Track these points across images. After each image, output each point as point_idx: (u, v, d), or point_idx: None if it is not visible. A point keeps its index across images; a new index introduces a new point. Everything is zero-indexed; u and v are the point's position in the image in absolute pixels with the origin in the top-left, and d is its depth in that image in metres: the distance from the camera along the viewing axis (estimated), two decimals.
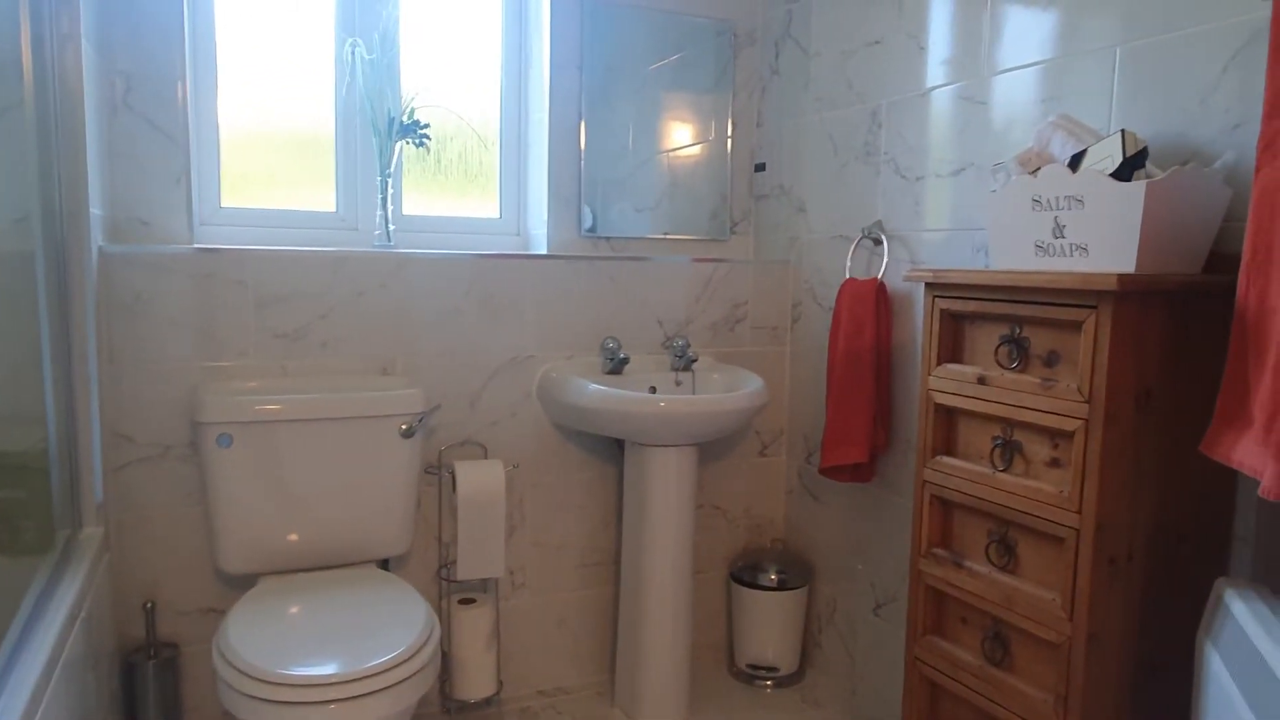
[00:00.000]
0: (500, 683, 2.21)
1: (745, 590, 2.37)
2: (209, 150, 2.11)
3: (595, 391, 2.00)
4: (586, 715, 2.21)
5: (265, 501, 1.82)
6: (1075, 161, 1.44)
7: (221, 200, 2.15)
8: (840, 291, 2.13)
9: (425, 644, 1.56)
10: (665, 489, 2.09)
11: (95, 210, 1.77)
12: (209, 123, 2.10)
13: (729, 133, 2.53)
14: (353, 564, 1.92)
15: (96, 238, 1.78)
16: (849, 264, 2.18)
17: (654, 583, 2.11)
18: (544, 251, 2.34)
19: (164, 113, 1.94)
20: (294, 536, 1.85)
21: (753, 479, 2.52)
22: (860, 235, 2.15)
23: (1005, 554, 1.45)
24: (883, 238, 2.09)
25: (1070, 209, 1.39)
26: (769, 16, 2.49)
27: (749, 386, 2.07)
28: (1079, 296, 1.30)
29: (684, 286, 2.36)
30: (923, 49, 1.98)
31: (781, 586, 2.36)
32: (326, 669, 1.44)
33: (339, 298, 2.00)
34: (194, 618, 1.94)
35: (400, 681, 1.49)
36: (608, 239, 2.40)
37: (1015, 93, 1.76)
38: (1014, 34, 1.75)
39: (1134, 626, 1.36)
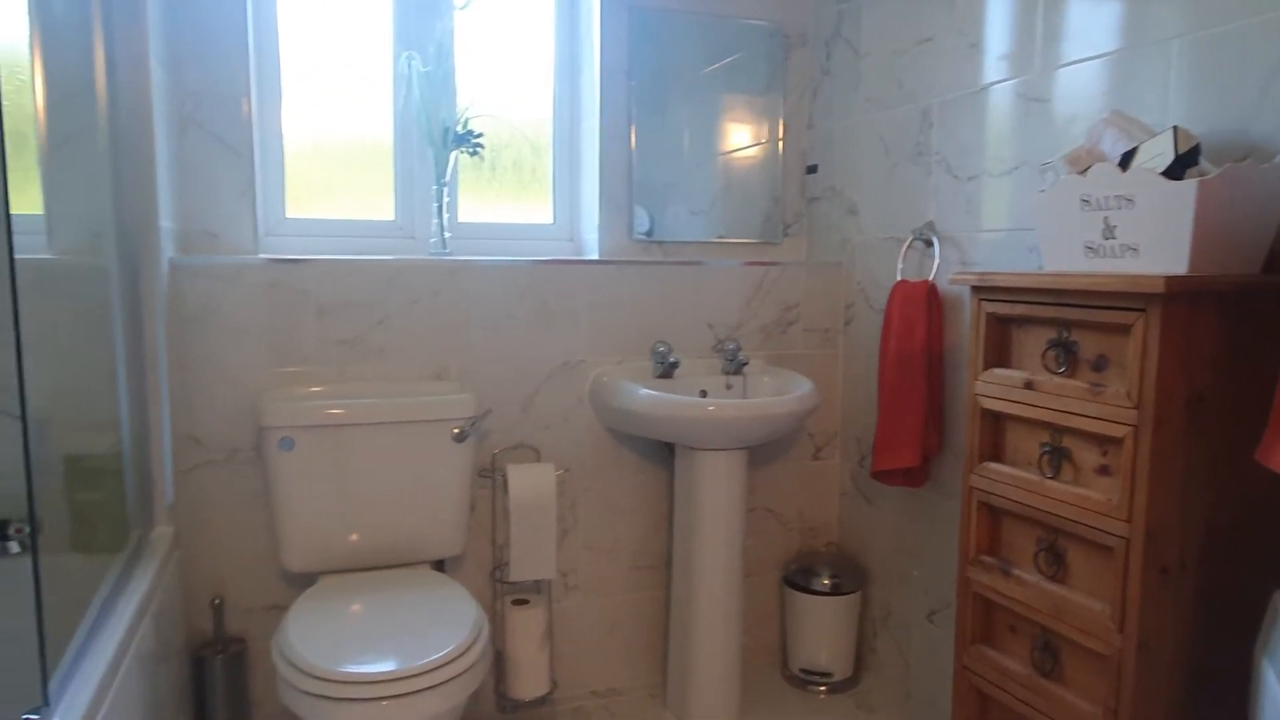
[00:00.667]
0: (554, 683, 2.25)
1: (798, 594, 2.36)
2: (274, 163, 2.19)
3: (645, 396, 2.01)
4: (638, 716, 2.23)
5: (325, 502, 1.89)
6: (1126, 160, 1.40)
7: (286, 211, 2.23)
8: (891, 293, 2.10)
9: (474, 643, 1.60)
10: (715, 492, 2.09)
11: (166, 223, 1.86)
12: (273, 136, 2.18)
13: (780, 135, 2.52)
14: (408, 564, 1.97)
15: (167, 250, 1.87)
16: (900, 266, 2.16)
17: (705, 586, 2.12)
18: (595, 256, 2.36)
19: (230, 128, 2.02)
20: (352, 537, 1.91)
21: (806, 482, 2.51)
22: (911, 237, 2.12)
23: (1054, 563, 1.42)
24: (934, 239, 2.05)
25: (1120, 209, 1.36)
26: (820, 17, 2.47)
27: (799, 389, 2.06)
28: (1126, 299, 1.26)
29: (735, 290, 2.36)
30: (974, 46, 1.94)
31: (835, 591, 2.34)
32: (379, 667, 1.49)
33: (395, 305, 2.06)
34: (260, 614, 2.02)
35: (450, 679, 1.53)
36: (660, 243, 2.42)
37: (1067, 89, 1.71)
38: (1066, 30, 1.71)
39: (1186, 637, 1.31)
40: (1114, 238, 1.37)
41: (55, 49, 1.68)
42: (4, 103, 1.69)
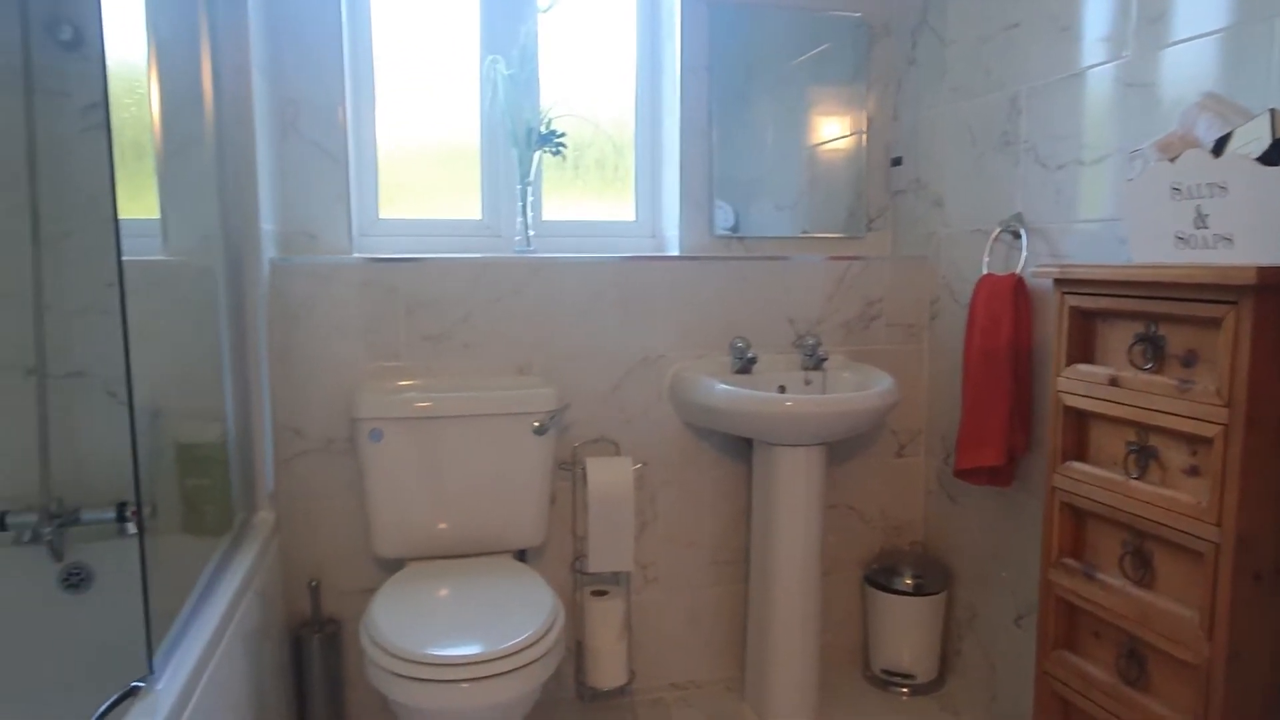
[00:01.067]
0: (632, 673, 2.28)
1: (880, 594, 2.33)
2: (368, 166, 2.29)
3: (722, 391, 2.02)
4: (716, 710, 2.24)
5: (411, 492, 1.97)
6: (1220, 145, 1.33)
7: (380, 212, 2.33)
8: (976, 287, 2.05)
9: (550, 630, 1.65)
10: (793, 489, 2.08)
11: (267, 226, 1.97)
12: (368, 141, 2.28)
13: (865, 127, 2.49)
14: (490, 553, 2.03)
15: (268, 250, 1.98)
16: (986, 259, 2.10)
17: (782, 582, 2.11)
18: (676, 253, 2.38)
19: (327, 134, 2.12)
20: (437, 525, 1.99)
21: (889, 480, 2.46)
22: (998, 229, 2.06)
23: (1140, 567, 1.37)
24: (1022, 231, 1.99)
25: (1213, 197, 1.29)
26: (904, 6, 2.42)
27: (879, 385, 2.04)
28: (1216, 291, 1.20)
29: (817, 285, 2.34)
30: (1064, 29, 1.87)
31: (918, 591, 2.29)
32: (459, 650, 1.55)
33: (479, 302, 2.13)
34: (354, 597, 2.12)
35: (526, 664, 1.57)
36: (741, 238, 2.42)
37: (1163, 72, 1.64)
38: (1163, 9, 1.63)
39: None
40: (1206, 227, 1.31)
41: (168, 64, 1.81)
42: (125, 114, 1.83)
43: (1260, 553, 1.21)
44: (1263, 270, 1.13)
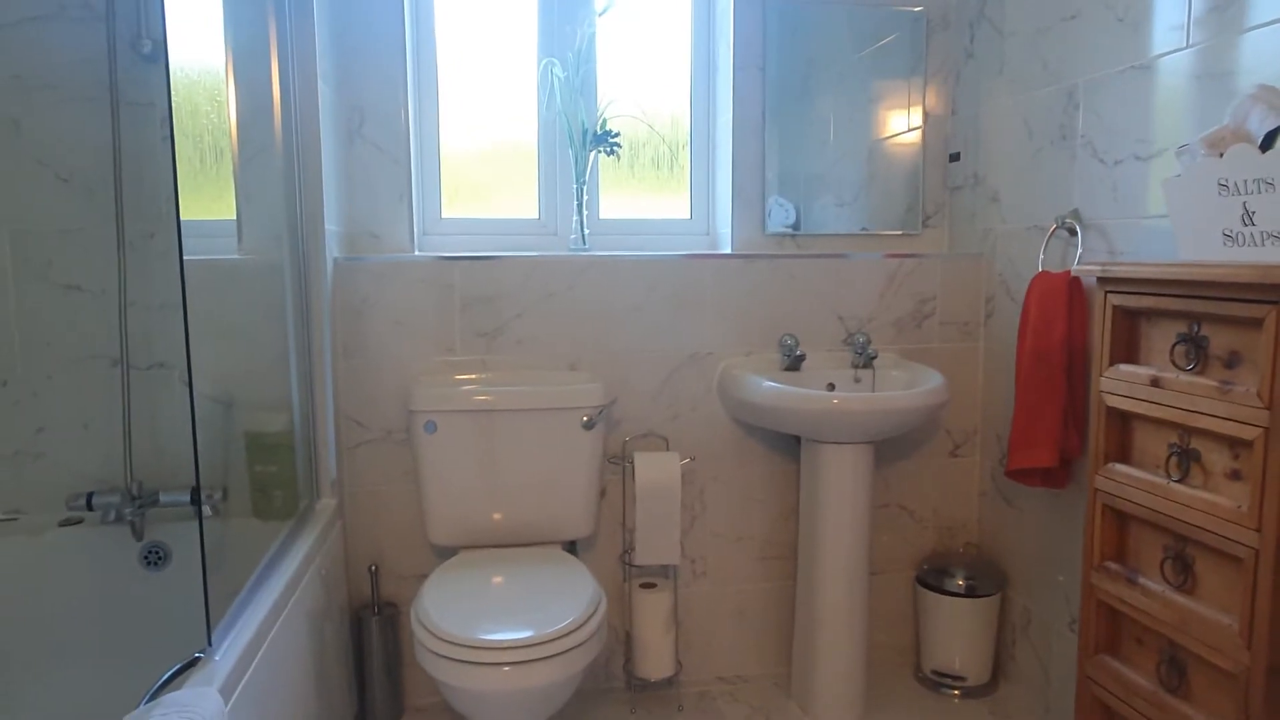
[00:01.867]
0: (679, 665, 2.32)
1: (931, 595, 2.31)
2: (430, 169, 2.37)
3: (769, 388, 2.04)
4: (762, 705, 2.26)
5: (464, 482, 2.04)
6: (1271, 140, 1.29)
7: (443, 212, 2.41)
8: (1031, 285, 2.01)
9: (591, 618, 1.69)
10: (840, 486, 2.09)
11: (331, 226, 2.07)
12: (430, 144, 2.36)
13: (922, 123, 2.46)
14: (540, 544, 2.09)
15: (333, 250, 2.08)
16: (1042, 256, 2.06)
17: (829, 580, 2.12)
18: (729, 250, 2.40)
19: (391, 139, 2.21)
20: (489, 515, 2.06)
21: (943, 480, 2.44)
22: (1055, 225, 2.02)
23: (1181, 572, 1.34)
24: (1078, 227, 1.95)
25: (1261, 193, 1.26)
26: None
27: (928, 384, 2.02)
28: (1258, 291, 1.17)
29: (869, 282, 2.33)
30: (1121, 20, 1.83)
31: (970, 593, 2.27)
32: (503, 635, 1.61)
33: (532, 299, 2.19)
34: (411, 581, 2.21)
35: (567, 650, 1.62)
36: (793, 236, 2.42)
37: (1223, 64, 1.58)
38: (1220, 2, 1.58)
39: None
40: (1254, 224, 1.28)
41: (243, 72, 1.92)
42: (205, 121, 1.95)
43: None
44: None
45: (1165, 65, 1.73)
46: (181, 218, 1.60)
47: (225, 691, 1.23)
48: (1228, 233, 1.32)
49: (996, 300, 2.31)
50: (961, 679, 2.30)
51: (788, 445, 2.33)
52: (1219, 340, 1.26)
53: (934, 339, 2.38)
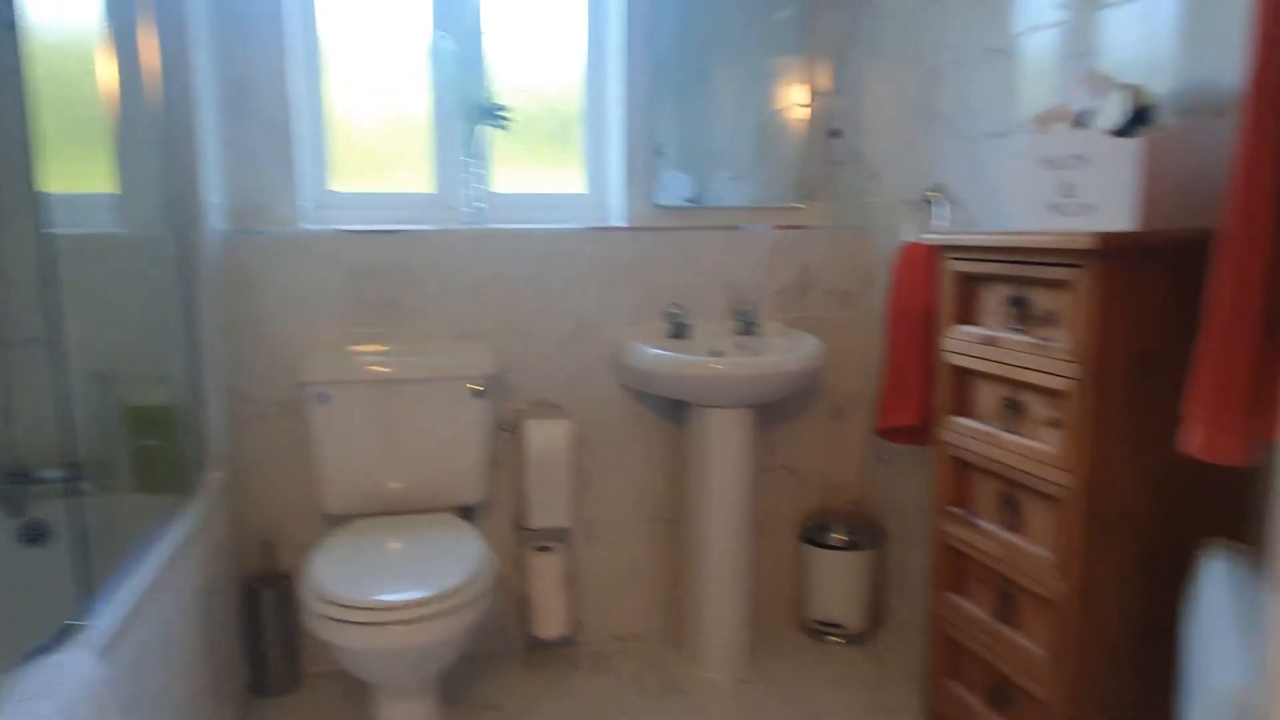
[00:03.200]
0: (576, 625, 2.40)
1: (814, 550, 2.44)
2: (316, 141, 2.36)
3: (653, 355, 2.12)
4: (654, 661, 2.36)
5: (357, 452, 2.07)
6: (1088, 119, 1.41)
7: (332, 185, 2.40)
8: (898, 256, 2.13)
9: (475, 579, 1.75)
10: (724, 449, 2.18)
11: (214, 199, 2.06)
12: (315, 115, 2.35)
13: (807, 99, 2.55)
14: (433, 510, 2.14)
15: (217, 223, 2.07)
16: (910, 228, 2.18)
17: (714, 539, 2.22)
18: (623, 223, 2.46)
19: (274, 110, 2.19)
20: (382, 484, 2.09)
21: (826, 442, 2.57)
22: (921, 198, 2.15)
23: (1011, 513, 1.47)
24: (940, 200, 2.07)
25: (1077, 168, 1.38)
26: None
27: (805, 349, 2.13)
28: (1067, 256, 1.29)
29: (754, 254, 2.43)
30: (980, 3, 1.94)
31: (850, 548, 2.40)
32: (390, 596, 1.66)
33: (426, 272, 2.21)
34: (306, 552, 2.22)
35: (454, 610, 1.68)
36: (684, 209, 2.50)
37: (1067, 46, 1.71)
38: None
39: (1132, 588, 1.35)
40: (1073, 196, 1.40)
41: (121, 42, 1.89)
42: (76, 91, 1.91)
43: (1109, 499, 1.31)
44: (1103, 236, 1.22)
45: (1019, 47, 1.85)
46: (52, 190, 1.58)
47: (103, 659, 1.25)
48: (1052, 204, 1.44)
49: (875, 271, 2.44)
50: (843, 628, 2.44)
51: (676, 411, 2.42)
52: (1039, 302, 1.39)
53: (817, 308, 2.50)
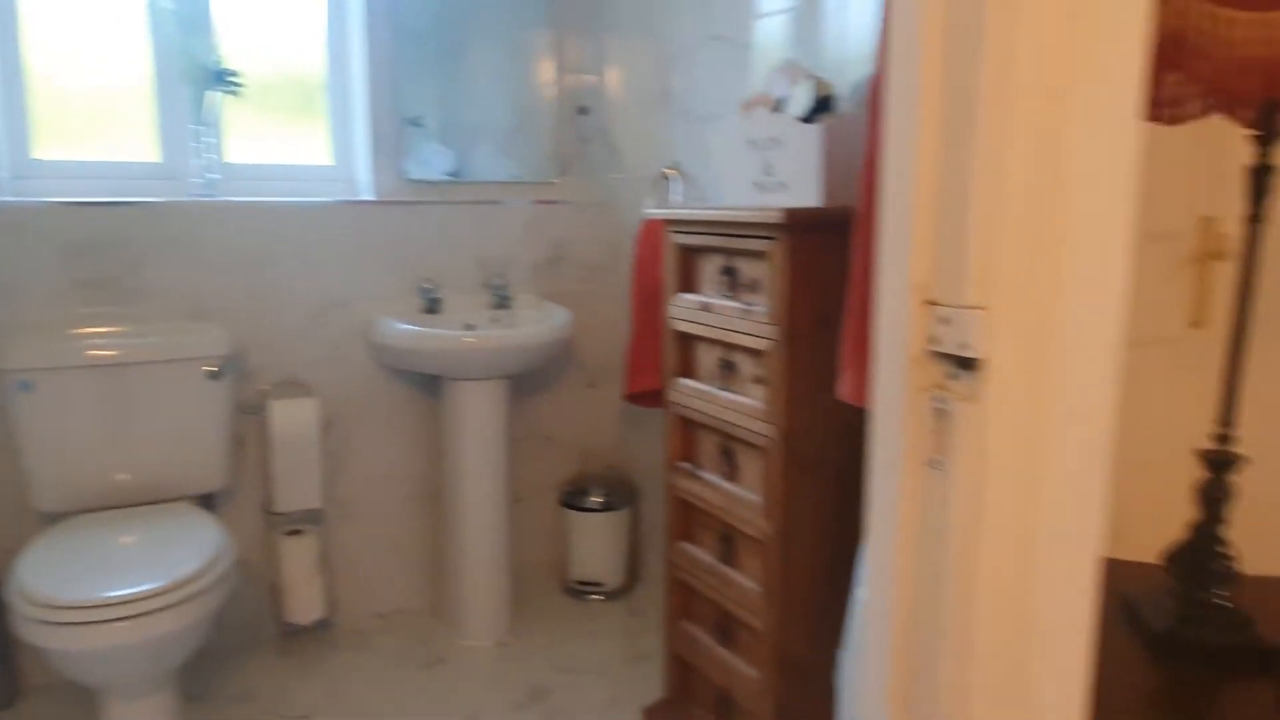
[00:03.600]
0: (332, 606, 2.35)
1: (573, 513, 2.54)
2: (14, 104, 2.13)
3: (403, 330, 2.11)
4: (417, 633, 2.37)
5: (74, 443, 1.91)
6: (783, 106, 1.56)
7: (32, 153, 2.17)
8: (640, 230, 2.25)
9: (212, 567, 1.68)
10: (478, 421, 2.22)
11: None
12: (11, 77, 2.11)
13: (557, 77, 2.61)
14: (166, 500, 2.02)
15: None
16: (650, 203, 2.31)
17: (471, 510, 2.26)
18: (370, 197, 2.41)
19: None
20: (108, 476, 1.95)
21: (583, 410, 2.67)
22: (660, 175, 2.27)
23: (728, 464, 1.61)
24: (676, 178, 2.21)
25: (775, 150, 1.53)
26: None
27: (554, 321, 2.20)
28: (764, 229, 1.43)
29: (508, 228, 2.46)
30: None
31: (606, 508, 2.52)
32: (107, 592, 1.56)
33: (150, 247, 2.07)
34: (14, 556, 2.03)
35: (186, 600, 1.61)
36: (439, 183, 2.48)
37: (762, 38, 1.87)
38: None
39: (828, 525, 1.53)
40: (773, 175, 1.55)
41: None
42: None
43: (804, 445, 1.48)
44: (788, 211, 1.36)
45: (741, 35, 2.00)
46: None
47: None
48: (756, 182, 1.59)
49: (622, 245, 2.55)
50: (603, 585, 2.56)
51: (431, 385, 2.42)
52: (746, 271, 1.53)
53: (569, 281, 2.58)
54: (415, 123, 2.47)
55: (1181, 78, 1.10)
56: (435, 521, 2.49)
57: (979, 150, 0.65)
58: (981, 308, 0.67)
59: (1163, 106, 1.34)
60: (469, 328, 2.33)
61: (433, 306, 2.31)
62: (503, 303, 2.38)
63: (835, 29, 1.71)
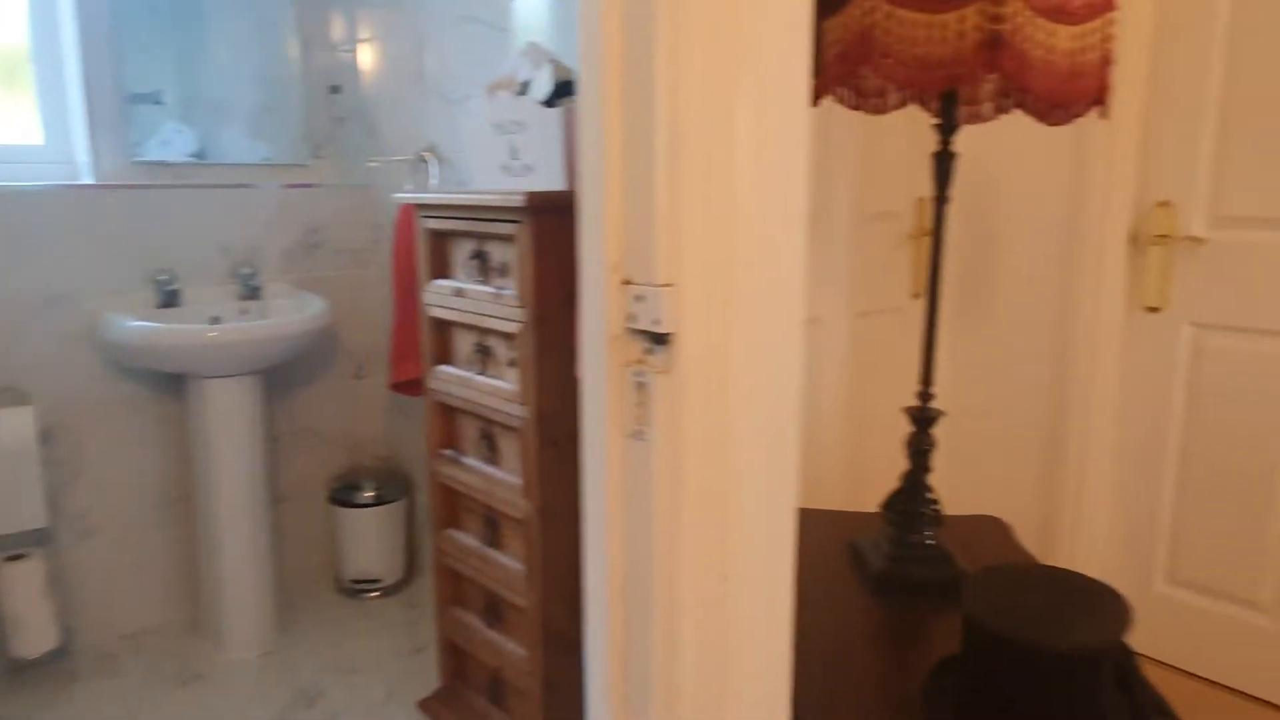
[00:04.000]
0: (67, 633, 2.14)
1: (343, 510, 2.45)
2: None
3: (137, 328, 1.94)
4: (171, 652, 2.20)
5: None
6: (526, 90, 1.57)
7: None
8: (398, 214, 2.19)
9: None
10: (230, 420, 2.08)
11: None
12: None
13: (306, 53, 2.47)
14: None
15: None
16: (408, 186, 2.25)
17: (226, 514, 2.12)
18: (91, 180, 2.18)
19: None
20: None
21: (350, 401, 2.57)
22: (416, 158, 2.22)
23: (489, 449, 1.62)
24: (433, 160, 2.16)
25: (519, 133, 1.53)
26: None
27: (308, 310, 2.10)
28: (510, 213, 1.44)
29: (257, 213, 2.32)
30: None
31: (379, 502, 2.45)
32: None
33: None
34: None
35: None
36: (171, 165, 2.28)
37: (530, 18, 1.87)
38: None
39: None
40: (519, 159, 1.55)
41: None
42: None
43: (556, 425, 1.51)
44: (529, 195, 1.38)
45: (493, 17, 1.98)
46: None
47: None
48: (504, 166, 1.59)
49: (384, 229, 2.47)
50: (379, 581, 2.49)
51: (176, 385, 2.24)
52: (496, 255, 1.53)
53: (328, 267, 2.47)
54: (152, 99, 2.27)
55: (870, 71, 1.21)
56: (189, 530, 2.31)
57: (658, 139, 0.69)
58: (670, 284, 0.71)
59: (868, 97, 1.48)
60: (215, 320, 2.17)
61: (170, 299, 2.14)
62: (252, 293, 2.24)
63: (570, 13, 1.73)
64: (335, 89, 2.52)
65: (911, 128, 2.04)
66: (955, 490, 2.26)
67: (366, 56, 2.42)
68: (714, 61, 0.69)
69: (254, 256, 2.33)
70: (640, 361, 0.74)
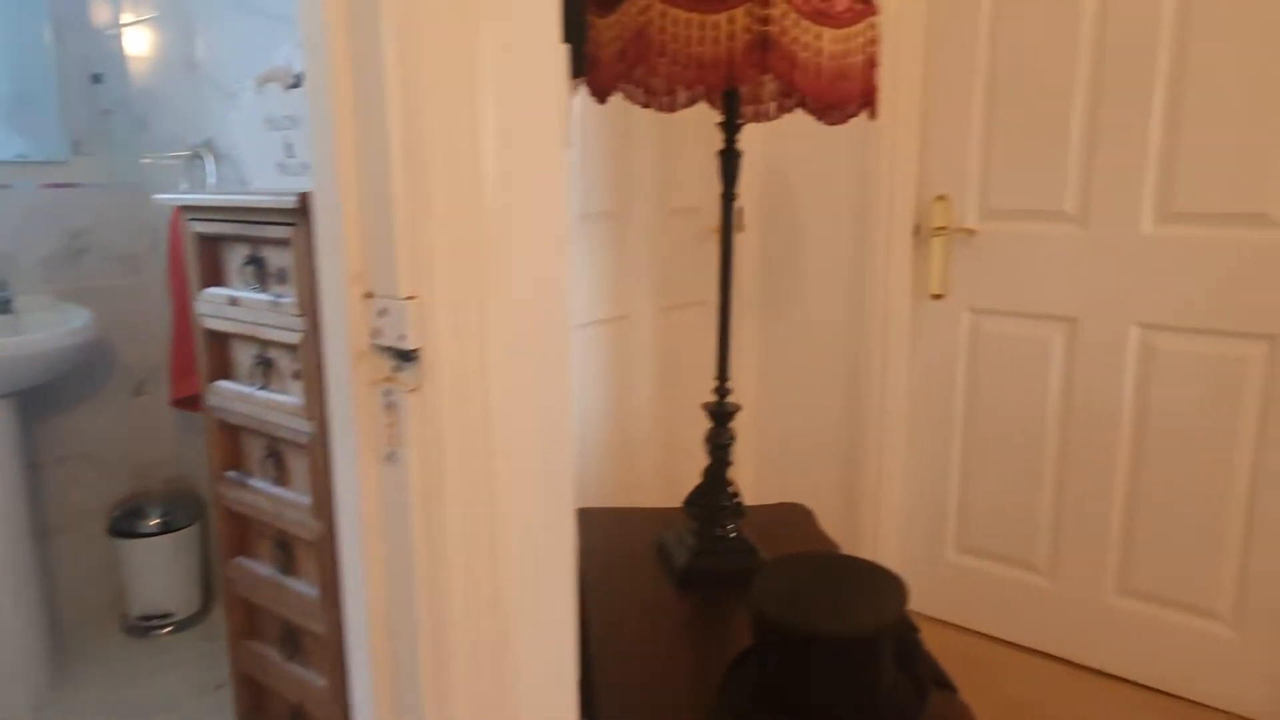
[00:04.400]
0: None
1: (125, 541, 2.23)
2: None
3: None
4: None
5: None
6: (300, 81, 1.47)
7: None
8: (172, 217, 2.01)
9: None
10: None
11: None
12: None
13: (63, 37, 2.22)
14: None
15: None
16: (183, 185, 2.07)
17: None
18: None
19: None
20: None
21: (131, 421, 2.35)
22: (192, 155, 2.04)
23: (277, 468, 1.51)
24: (209, 157, 2.00)
25: (293, 129, 1.43)
26: None
27: (71, 324, 1.89)
28: (283, 215, 1.34)
29: (4, 218, 2.06)
30: None
31: (167, 529, 2.25)
32: None
33: None
34: None
35: None
36: None
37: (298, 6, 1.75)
38: None
39: None
40: (295, 156, 1.45)
41: None
42: None
43: None
44: (304, 195, 1.28)
45: (268, 5, 1.84)
46: None
47: None
48: (280, 164, 1.48)
49: (161, 231, 2.27)
50: (171, 615, 2.29)
51: None
52: (272, 260, 1.43)
53: (95, 276, 2.24)
54: None
55: (647, 71, 1.20)
56: None
57: (393, 132, 0.65)
58: (414, 297, 0.67)
59: (657, 95, 1.48)
60: None
61: None
62: (4, 307, 2.00)
63: None
64: (97, 78, 2.29)
65: (707, 126, 2.08)
66: (767, 481, 2.33)
67: (134, 43, 2.20)
68: (450, 37, 0.65)
69: (4, 266, 2.08)
70: (389, 379, 0.69)
